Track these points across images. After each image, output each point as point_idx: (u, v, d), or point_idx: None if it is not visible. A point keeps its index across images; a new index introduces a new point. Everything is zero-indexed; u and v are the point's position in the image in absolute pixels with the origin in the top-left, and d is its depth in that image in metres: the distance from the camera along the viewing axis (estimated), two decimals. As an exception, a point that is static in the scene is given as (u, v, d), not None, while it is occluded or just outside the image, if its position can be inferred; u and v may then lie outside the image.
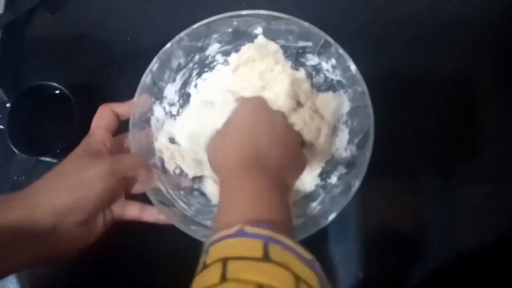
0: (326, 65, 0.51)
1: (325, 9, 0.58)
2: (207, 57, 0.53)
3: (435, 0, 0.59)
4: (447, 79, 0.57)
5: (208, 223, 0.48)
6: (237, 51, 0.53)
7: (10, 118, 0.55)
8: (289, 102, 0.46)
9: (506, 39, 0.57)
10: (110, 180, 0.40)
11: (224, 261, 0.28)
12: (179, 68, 0.52)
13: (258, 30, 0.51)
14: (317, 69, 0.52)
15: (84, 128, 0.46)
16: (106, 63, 0.60)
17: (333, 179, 0.49)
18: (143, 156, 0.48)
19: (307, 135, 0.47)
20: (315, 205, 0.48)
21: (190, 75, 0.53)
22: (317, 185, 0.51)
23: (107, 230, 0.44)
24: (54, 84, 0.55)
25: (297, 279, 0.28)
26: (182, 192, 0.50)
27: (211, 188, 0.52)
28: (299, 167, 0.45)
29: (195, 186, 0.53)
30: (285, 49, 0.52)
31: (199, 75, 0.54)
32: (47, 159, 0.55)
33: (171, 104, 0.53)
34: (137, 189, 0.47)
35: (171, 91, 0.52)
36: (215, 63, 0.54)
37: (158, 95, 0.51)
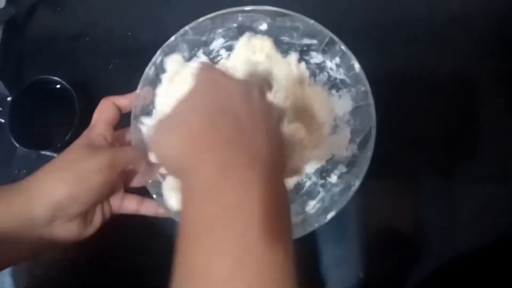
0: (330, 64, 0.50)
1: (325, 8, 0.58)
2: (211, 51, 0.53)
3: (438, 1, 0.59)
4: (447, 79, 0.56)
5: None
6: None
7: (11, 112, 0.55)
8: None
9: (506, 39, 0.57)
10: (109, 173, 0.40)
11: None
12: (183, 62, 0.52)
13: (263, 26, 0.51)
14: (321, 67, 0.52)
15: (85, 123, 0.46)
16: (107, 59, 0.60)
17: (333, 178, 0.49)
18: (143, 149, 0.48)
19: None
20: (314, 203, 0.48)
21: (193, 69, 0.53)
22: (316, 184, 0.51)
23: (106, 223, 0.44)
24: (56, 78, 0.56)
25: None
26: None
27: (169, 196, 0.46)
28: (286, 154, 0.37)
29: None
30: (289, 46, 0.52)
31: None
32: (48, 153, 0.56)
33: (174, 98, 0.53)
34: (136, 182, 0.47)
35: (174, 84, 0.52)
36: (219, 57, 0.54)
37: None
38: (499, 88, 0.56)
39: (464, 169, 0.54)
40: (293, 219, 0.48)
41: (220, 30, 0.51)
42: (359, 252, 0.53)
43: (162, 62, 0.49)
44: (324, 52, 0.50)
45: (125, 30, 0.61)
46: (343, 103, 0.50)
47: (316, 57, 0.51)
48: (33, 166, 0.56)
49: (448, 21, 0.58)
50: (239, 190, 0.28)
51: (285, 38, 0.51)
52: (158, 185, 0.47)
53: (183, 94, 0.33)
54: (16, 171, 0.55)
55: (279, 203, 0.29)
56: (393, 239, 0.54)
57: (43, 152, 0.55)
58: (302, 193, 0.51)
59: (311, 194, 0.50)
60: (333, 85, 0.51)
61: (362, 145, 0.47)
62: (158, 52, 0.48)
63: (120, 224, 0.46)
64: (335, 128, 0.51)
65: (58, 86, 0.56)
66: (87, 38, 0.62)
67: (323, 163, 0.51)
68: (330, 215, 0.43)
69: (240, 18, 0.50)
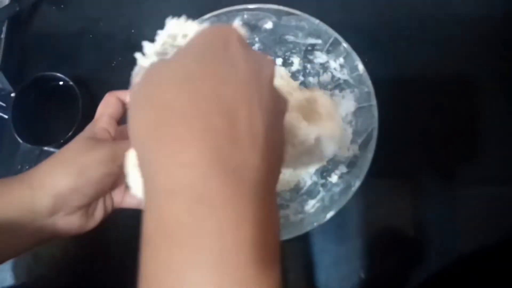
0: (334, 64, 0.50)
1: (329, 6, 0.58)
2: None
3: (439, 1, 0.59)
4: (450, 79, 0.57)
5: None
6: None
7: (14, 108, 0.56)
8: None
9: (510, 40, 0.57)
10: (111, 166, 0.40)
11: None
12: (187, 58, 0.52)
13: (269, 24, 0.51)
14: (325, 67, 0.52)
15: (87, 119, 0.46)
16: (111, 56, 0.60)
17: (334, 178, 0.49)
18: None
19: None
20: (314, 203, 0.48)
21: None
22: (317, 183, 0.51)
23: (107, 217, 0.44)
24: (59, 75, 0.56)
25: None
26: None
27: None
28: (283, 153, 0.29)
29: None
30: (294, 45, 0.52)
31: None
32: (51, 149, 0.56)
33: (177, 94, 0.53)
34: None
35: (178, 80, 0.53)
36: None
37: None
38: (502, 89, 0.56)
39: (466, 170, 0.54)
40: (292, 217, 0.48)
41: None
42: (360, 252, 0.54)
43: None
44: (328, 52, 0.50)
45: (128, 27, 0.61)
46: (346, 104, 0.50)
47: (320, 57, 0.52)
48: (36, 161, 0.56)
49: (451, 21, 0.58)
50: (221, 205, 0.22)
51: (290, 37, 0.51)
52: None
53: (188, 41, 0.26)
54: (19, 167, 0.55)
55: (270, 222, 0.24)
56: (394, 239, 0.54)
57: (46, 148, 0.56)
58: (302, 192, 0.51)
59: (311, 194, 0.50)
60: (337, 85, 0.52)
61: (363, 146, 0.47)
62: (163, 48, 0.48)
63: (120, 222, 0.46)
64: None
65: (61, 82, 0.57)
66: (91, 35, 0.62)
67: (324, 163, 0.51)
68: (330, 214, 0.44)
69: (245, 16, 0.50)
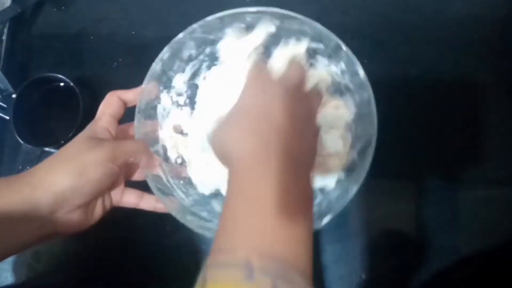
0: (335, 68, 0.50)
1: (330, 7, 0.58)
2: (218, 50, 0.53)
3: (439, 1, 0.58)
4: (450, 80, 0.56)
5: (204, 214, 0.48)
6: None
7: (15, 109, 0.56)
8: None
9: (510, 40, 0.57)
10: (111, 166, 0.41)
11: None
12: (190, 59, 0.52)
13: (271, 28, 0.51)
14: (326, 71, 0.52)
15: (88, 120, 0.46)
16: (111, 57, 0.61)
17: (332, 183, 0.49)
18: (145, 143, 0.48)
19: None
20: (311, 207, 0.49)
21: (200, 67, 0.54)
22: (315, 188, 0.51)
23: (106, 215, 0.45)
24: (60, 76, 0.56)
25: None
26: (181, 182, 0.51)
27: (196, 175, 0.52)
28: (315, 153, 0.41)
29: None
30: (296, 48, 0.52)
31: (209, 67, 0.55)
32: (51, 150, 0.57)
33: (179, 94, 0.54)
34: (137, 176, 0.48)
35: (179, 81, 0.53)
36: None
37: (167, 84, 0.52)
38: (503, 89, 0.56)
39: (466, 170, 0.54)
40: None
41: (228, 30, 0.51)
42: (361, 253, 0.54)
43: (169, 58, 0.49)
44: (330, 56, 0.50)
45: (129, 29, 0.62)
46: (346, 109, 0.51)
47: (322, 61, 0.52)
48: (37, 162, 0.57)
49: (452, 21, 0.57)
50: (260, 174, 0.34)
51: (293, 41, 0.51)
52: (157, 179, 0.48)
53: (239, 93, 0.38)
54: (20, 167, 0.56)
55: (298, 190, 0.34)
56: (395, 240, 0.54)
57: (46, 149, 0.56)
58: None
59: (309, 198, 0.50)
60: (337, 90, 0.51)
61: (362, 152, 0.47)
62: (166, 49, 0.48)
63: (119, 220, 0.46)
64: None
65: (62, 83, 0.57)
66: (91, 37, 0.62)
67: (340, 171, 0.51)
68: (325, 220, 0.44)
69: (248, 19, 0.50)
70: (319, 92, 0.47)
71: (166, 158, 0.52)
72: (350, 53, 0.47)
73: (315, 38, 0.49)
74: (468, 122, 0.56)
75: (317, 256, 0.54)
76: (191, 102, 0.55)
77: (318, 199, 0.49)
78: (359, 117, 0.49)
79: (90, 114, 0.47)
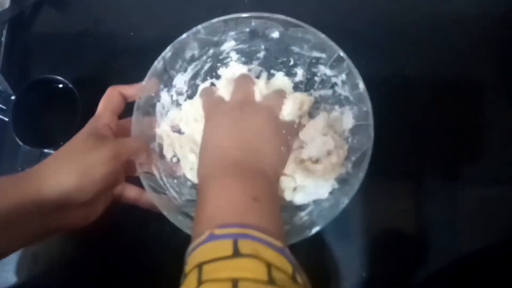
0: (336, 79, 0.51)
1: (327, 8, 0.58)
2: (221, 52, 0.54)
3: (438, 1, 0.59)
4: (449, 80, 0.56)
5: (196, 215, 0.48)
6: (251, 51, 0.54)
7: (15, 111, 0.56)
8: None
9: (510, 40, 0.57)
10: (114, 164, 0.41)
11: (200, 266, 0.31)
12: (192, 60, 0.52)
13: (275, 34, 0.51)
14: (327, 81, 0.52)
15: (87, 121, 0.46)
16: (110, 58, 0.61)
17: (325, 193, 0.49)
18: (146, 140, 0.49)
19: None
20: (302, 215, 0.49)
21: (202, 68, 0.54)
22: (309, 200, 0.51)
23: (107, 212, 0.45)
24: (59, 77, 0.56)
25: (269, 265, 0.30)
26: (175, 181, 0.51)
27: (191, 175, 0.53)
28: (286, 157, 0.47)
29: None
30: (299, 56, 0.52)
31: (211, 69, 0.55)
32: (51, 151, 0.56)
33: (179, 93, 0.54)
34: (131, 171, 0.48)
35: (180, 80, 0.53)
36: (228, 59, 0.55)
37: (168, 83, 0.52)
38: (503, 89, 0.56)
39: (466, 170, 0.54)
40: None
41: (232, 33, 0.51)
42: (362, 252, 0.54)
43: (171, 57, 0.49)
44: (332, 67, 0.50)
45: (128, 30, 0.61)
46: (344, 120, 0.51)
47: (323, 71, 0.52)
48: (36, 163, 0.56)
49: (450, 22, 0.57)
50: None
51: (296, 48, 0.52)
52: (151, 177, 0.48)
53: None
54: (19, 169, 0.55)
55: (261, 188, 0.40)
56: (395, 239, 0.54)
57: (46, 150, 0.56)
58: (293, 204, 0.51)
59: (301, 207, 0.50)
60: (337, 101, 0.52)
61: (357, 164, 0.47)
62: (169, 48, 0.49)
63: (118, 222, 0.47)
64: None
65: (61, 85, 0.57)
66: (91, 37, 0.62)
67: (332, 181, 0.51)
68: (315, 229, 0.44)
69: (253, 24, 0.50)
70: (281, 92, 0.50)
71: (162, 156, 0.52)
72: (352, 65, 0.47)
73: (318, 47, 0.50)
74: (467, 122, 0.56)
75: (318, 256, 0.54)
76: (191, 102, 0.55)
77: (309, 207, 0.49)
78: (356, 129, 0.49)
79: (89, 115, 0.47)
